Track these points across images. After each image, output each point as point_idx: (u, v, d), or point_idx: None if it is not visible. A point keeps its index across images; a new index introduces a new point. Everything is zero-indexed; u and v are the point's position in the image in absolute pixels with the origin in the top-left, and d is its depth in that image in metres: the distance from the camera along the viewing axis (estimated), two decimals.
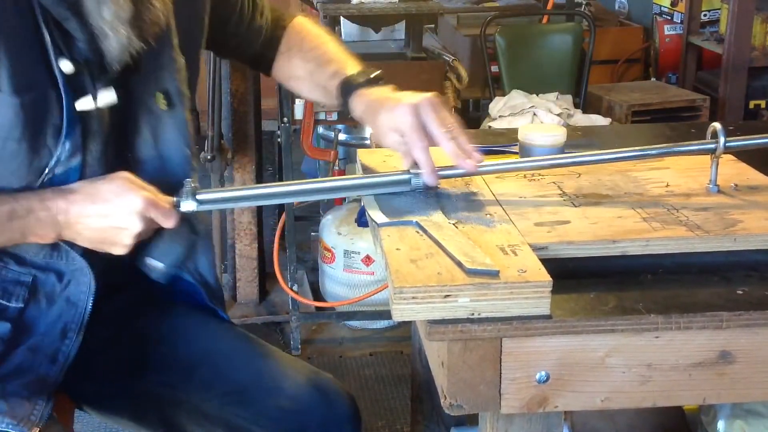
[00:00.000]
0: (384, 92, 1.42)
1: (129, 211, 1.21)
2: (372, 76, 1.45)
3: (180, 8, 1.34)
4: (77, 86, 1.21)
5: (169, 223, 1.25)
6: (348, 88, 1.44)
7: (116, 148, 1.30)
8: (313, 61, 1.54)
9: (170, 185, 1.29)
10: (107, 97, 1.24)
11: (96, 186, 1.23)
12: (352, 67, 1.48)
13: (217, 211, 2.96)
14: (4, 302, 1.27)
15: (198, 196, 1.26)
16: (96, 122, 1.25)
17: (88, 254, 1.29)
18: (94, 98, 1.22)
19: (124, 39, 1.21)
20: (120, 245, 1.24)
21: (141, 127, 1.33)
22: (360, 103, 1.42)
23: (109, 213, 1.21)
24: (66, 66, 1.19)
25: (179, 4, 1.33)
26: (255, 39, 1.58)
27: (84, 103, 1.22)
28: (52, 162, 1.22)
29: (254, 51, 1.59)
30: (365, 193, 1.32)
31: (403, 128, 1.30)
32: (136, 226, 1.22)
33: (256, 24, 1.57)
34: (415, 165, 1.31)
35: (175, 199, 1.26)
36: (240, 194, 1.35)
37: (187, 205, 1.26)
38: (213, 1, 1.46)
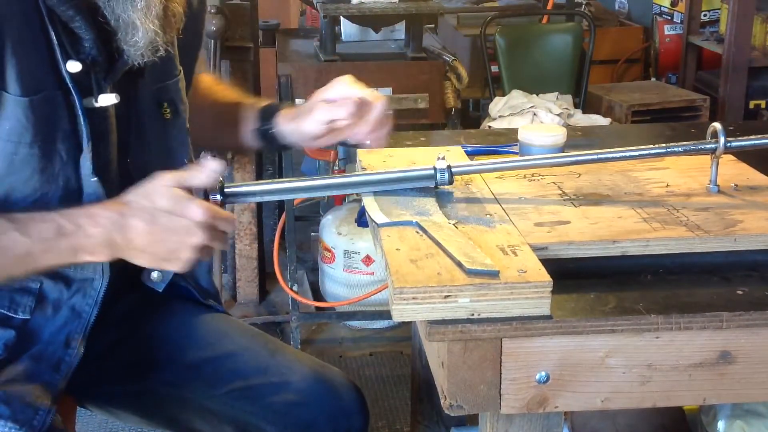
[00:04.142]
0: None
1: (190, 222, 1.15)
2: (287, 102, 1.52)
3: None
4: (84, 87, 1.21)
5: (230, 227, 1.20)
6: (270, 110, 1.50)
7: (120, 155, 1.31)
8: (222, 102, 1.57)
9: None
10: (110, 97, 1.24)
11: (150, 197, 1.17)
12: (266, 101, 1.55)
13: None
14: (10, 314, 1.27)
15: (225, 190, 1.23)
16: (105, 126, 1.25)
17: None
18: (95, 99, 1.22)
19: (151, 33, 1.21)
20: (181, 261, 1.17)
21: (147, 134, 1.34)
22: (287, 116, 1.48)
23: (169, 226, 1.15)
24: (73, 66, 1.19)
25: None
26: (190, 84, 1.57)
27: (91, 102, 1.21)
28: (65, 168, 1.21)
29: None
30: (391, 188, 1.32)
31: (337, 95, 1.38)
32: (197, 238, 1.16)
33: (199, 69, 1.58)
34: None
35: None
36: (265, 188, 1.30)
37: (213, 200, 1.22)
38: None
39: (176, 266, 1.19)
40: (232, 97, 1.58)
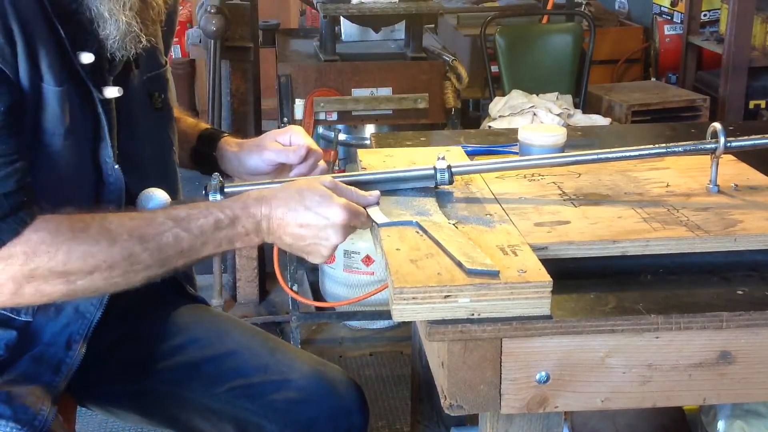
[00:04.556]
0: None
1: (329, 222, 1.20)
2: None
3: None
4: (97, 78, 1.23)
5: (366, 224, 1.25)
6: (212, 135, 1.53)
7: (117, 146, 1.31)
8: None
9: (164, 183, 1.31)
10: (114, 90, 1.25)
11: (300, 193, 1.22)
12: (206, 125, 1.58)
13: None
14: (12, 315, 1.27)
15: (225, 190, 1.28)
16: (112, 116, 1.27)
17: None
18: (100, 91, 1.24)
19: (123, 25, 1.22)
20: (317, 255, 1.23)
21: (139, 124, 1.35)
22: (230, 144, 1.52)
23: (310, 222, 1.20)
24: (86, 58, 1.21)
25: None
26: None
27: (101, 94, 1.24)
28: (93, 159, 1.23)
29: None
30: (391, 188, 1.32)
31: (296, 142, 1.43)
32: (335, 238, 1.21)
33: None
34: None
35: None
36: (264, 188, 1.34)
37: (213, 200, 1.27)
38: None
39: (314, 259, 1.24)
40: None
